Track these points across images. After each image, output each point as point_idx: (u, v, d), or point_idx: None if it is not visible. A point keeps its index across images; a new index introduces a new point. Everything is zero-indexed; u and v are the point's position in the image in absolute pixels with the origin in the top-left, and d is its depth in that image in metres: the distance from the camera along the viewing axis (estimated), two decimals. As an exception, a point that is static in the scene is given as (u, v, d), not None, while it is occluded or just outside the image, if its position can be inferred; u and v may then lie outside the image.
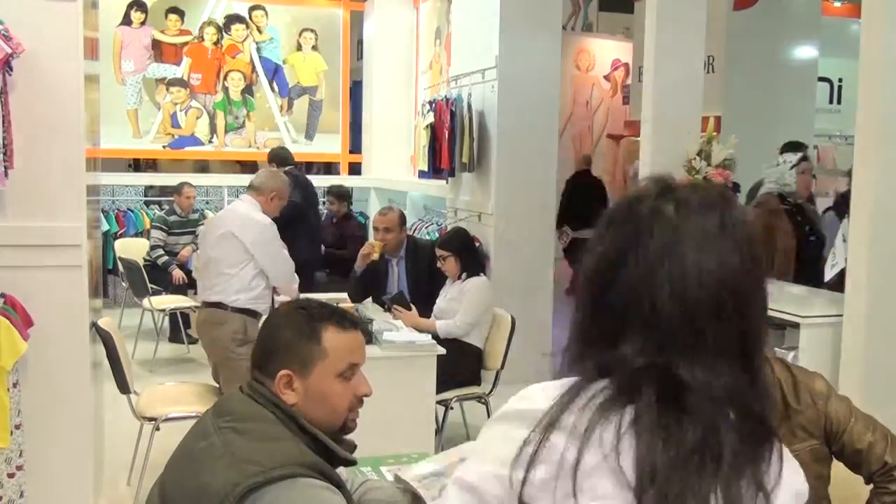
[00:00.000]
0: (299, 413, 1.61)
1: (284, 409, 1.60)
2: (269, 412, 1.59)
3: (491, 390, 4.46)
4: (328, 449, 1.61)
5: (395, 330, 4.05)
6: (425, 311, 4.47)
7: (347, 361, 1.67)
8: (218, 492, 1.45)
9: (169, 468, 1.64)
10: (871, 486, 1.98)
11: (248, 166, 9.89)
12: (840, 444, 1.98)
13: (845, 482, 2.06)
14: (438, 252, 4.51)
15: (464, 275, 4.46)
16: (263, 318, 3.99)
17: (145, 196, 8.78)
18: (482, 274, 4.57)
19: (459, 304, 4.38)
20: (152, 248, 6.89)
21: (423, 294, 4.60)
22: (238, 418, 1.58)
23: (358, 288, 4.80)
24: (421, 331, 4.11)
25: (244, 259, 4.04)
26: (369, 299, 4.65)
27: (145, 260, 6.85)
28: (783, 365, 2.08)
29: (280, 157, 6.56)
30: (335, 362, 1.65)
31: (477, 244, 6.24)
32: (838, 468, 2.04)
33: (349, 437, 1.72)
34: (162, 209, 7.98)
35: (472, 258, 4.56)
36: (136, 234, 7.98)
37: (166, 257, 6.76)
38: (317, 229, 6.66)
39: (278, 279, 4.20)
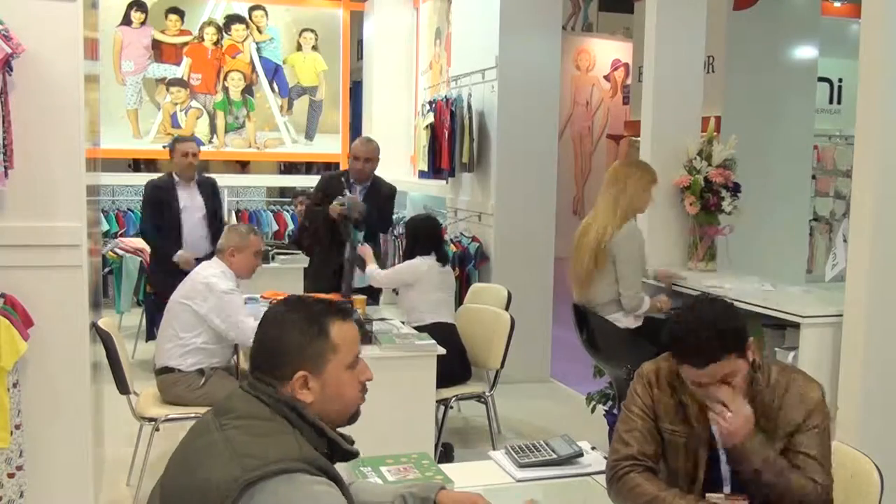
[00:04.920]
0: (313, 412, 1.61)
1: (289, 402, 1.60)
2: (269, 409, 1.59)
3: (491, 389, 4.46)
4: (330, 443, 1.63)
5: (396, 330, 4.07)
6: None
7: (355, 352, 1.68)
8: (219, 486, 1.46)
9: (169, 467, 1.65)
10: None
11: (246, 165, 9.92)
12: (792, 440, 1.98)
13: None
14: (404, 229, 4.78)
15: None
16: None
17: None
18: (430, 256, 4.55)
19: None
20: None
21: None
22: (239, 416, 1.59)
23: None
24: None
25: (199, 326, 3.90)
26: None
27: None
28: (782, 369, 2.08)
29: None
30: (345, 354, 1.66)
31: (477, 244, 6.26)
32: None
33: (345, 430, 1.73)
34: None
35: (423, 245, 4.57)
36: (137, 235, 7.97)
37: None
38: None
39: (244, 344, 4.00)
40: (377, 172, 5.26)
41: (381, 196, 5.19)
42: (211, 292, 3.89)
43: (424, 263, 4.53)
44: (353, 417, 1.70)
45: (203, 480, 1.49)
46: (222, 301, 3.88)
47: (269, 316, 1.69)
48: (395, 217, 8.15)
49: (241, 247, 4.03)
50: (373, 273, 4.67)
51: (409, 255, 4.62)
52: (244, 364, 4.49)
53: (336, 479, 1.56)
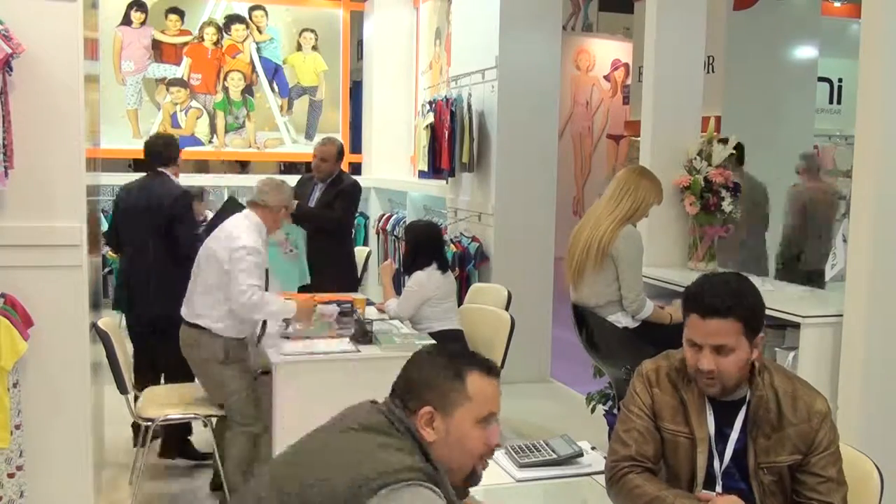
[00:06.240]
0: (435, 456, 1.62)
1: (416, 435, 1.62)
2: (394, 427, 1.62)
3: (491, 390, 4.45)
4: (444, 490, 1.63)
5: (396, 329, 4.07)
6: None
7: (489, 409, 1.68)
8: (354, 480, 1.49)
9: (286, 461, 1.67)
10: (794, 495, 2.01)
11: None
12: (806, 461, 1.99)
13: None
14: (405, 235, 4.80)
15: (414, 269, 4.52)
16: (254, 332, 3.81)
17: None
18: (431, 266, 4.50)
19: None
20: None
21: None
22: (366, 427, 1.62)
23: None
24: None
25: (224, 281, 3.63)
26: None
27: None
28: (785, 376, 2.07)
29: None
30: (478, 407, 1.66)
31: (477, 244, 6.26)
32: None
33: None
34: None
35: (425, 254, 4.52)
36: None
37: None
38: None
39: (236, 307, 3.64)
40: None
41: (336, 190, 5.12)
42: (231, 242, 3.63)
43: (425, 279, 4.46)
44: (469, 478, 1.70)
45: (326, 482, 1.52)
46: (238, 255, 3.59)
47: (415, 355, 1.75)
48: (394, 217, 8.21)
49: (275, 206, 3.82)
50: (396, 312, 4.45)
51: (410, 264, 4.56)
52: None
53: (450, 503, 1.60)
